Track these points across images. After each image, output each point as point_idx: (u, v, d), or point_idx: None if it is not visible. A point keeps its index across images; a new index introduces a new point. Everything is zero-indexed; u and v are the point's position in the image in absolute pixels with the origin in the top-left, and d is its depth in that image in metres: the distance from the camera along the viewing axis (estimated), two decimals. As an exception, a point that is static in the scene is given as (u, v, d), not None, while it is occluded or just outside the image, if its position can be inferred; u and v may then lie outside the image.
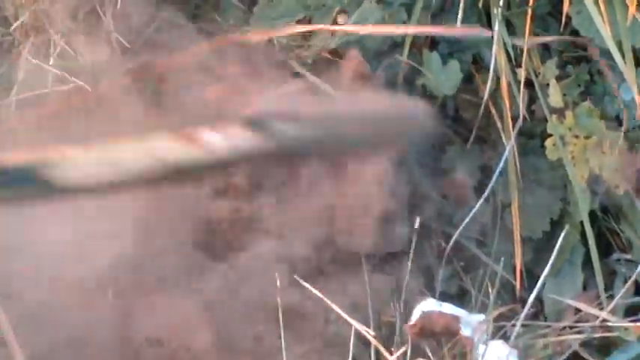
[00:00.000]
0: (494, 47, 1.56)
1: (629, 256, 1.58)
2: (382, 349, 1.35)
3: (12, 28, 1.64)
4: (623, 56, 1.48)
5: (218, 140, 1.17)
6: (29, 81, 1.60)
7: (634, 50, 1.50)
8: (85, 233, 1.48)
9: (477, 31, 1.61)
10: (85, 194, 1.20)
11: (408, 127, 1.35)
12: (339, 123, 1.25)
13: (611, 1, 1.51)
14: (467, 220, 1.55)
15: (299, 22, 1.65)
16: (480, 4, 1.59)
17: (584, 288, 1.57)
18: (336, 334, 1.47)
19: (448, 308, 1.45)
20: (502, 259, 1.51)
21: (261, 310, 1.51)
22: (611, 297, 1.51)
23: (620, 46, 1.49)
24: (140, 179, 1.18)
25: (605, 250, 1.59)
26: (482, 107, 1.59)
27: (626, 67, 1.49)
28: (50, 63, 1.58)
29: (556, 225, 1.57)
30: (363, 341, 1.39)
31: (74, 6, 1.62)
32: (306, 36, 1.69)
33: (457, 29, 1.62)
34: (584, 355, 1.47)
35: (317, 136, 1.21)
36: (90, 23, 1.64)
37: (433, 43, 1.65)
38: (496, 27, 1.55)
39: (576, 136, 1.54)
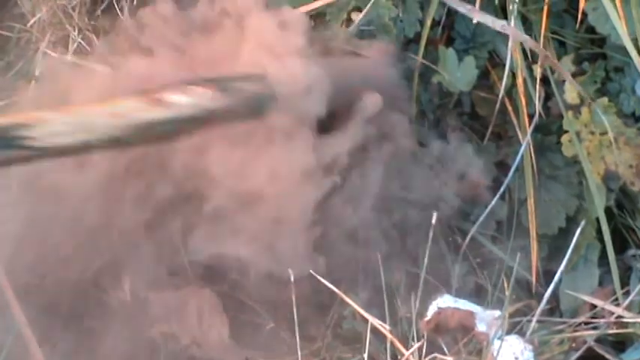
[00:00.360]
0: (510, 43, 1.57)
1: None
2: (398, 344, 1.34)
3: (29, 24, 1.67)
4: (639, 53, 1.52)
5: (183, 100, 1.29)
6: (47, 76, 1.61)
7: None
8: None
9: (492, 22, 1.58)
10: (60, 155, 1.32)
11: (372, 82, 1.51)
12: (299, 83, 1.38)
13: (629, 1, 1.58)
14: (483, 216, 1.57)
15: (312, 16, 1.62)
16: (497, 1, 1.61)
17: (600, 284, 1.58)
18: (350, 330, 1.49)
19: (463, 304, 1.44)
20: (518, 255, 1.45)
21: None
22: (627, 293, 1.51)
23: (636, 43, 1.51)
24: (111, 139, 1.29)
25: (621, 247, 1.60)
26: (498, 104, 1.61)
27: None
28: (68, 58, 1.63)
29: (572, 221, 1.58)
30: (378, 336, 1.38)
31: (92, 2, 1.67)
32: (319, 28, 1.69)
33: (477, 12, 1.56)
34: (600, 350, 1.46)
35: (275, 95, 1.35)
36: (107, 19, 1.67)
37: (449, 39, 1.67)
38: (512, 23, 1.56)
39: (592, 133, 1.55)
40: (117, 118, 1.28)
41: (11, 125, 1.23)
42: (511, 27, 1.59)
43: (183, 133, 1.41)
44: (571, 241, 1.43)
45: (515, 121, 1.61)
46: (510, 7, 1.59)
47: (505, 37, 1.61)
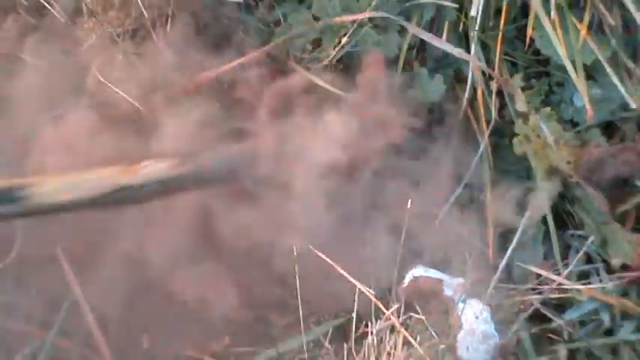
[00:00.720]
0: (472, 64, 1.64)
1: (580, 232, 1.63)
2: (380, 305, 1.41)
3: (82, 47, 1.68)
4: (576, 71, 1.57)
5: (149, 169, 1.39)
6: (97, 93, 1.65)
7: (584, 66, 1.60)
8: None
9: (457, 51, 1.64)
10: (54, 212, 1.41)
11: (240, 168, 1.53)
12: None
13: (566, 27, 1.60)
14: (449, 202, 1.62)
15: (312, 41, 1.71)
16: (460, 29, 1.67)
17: (545, 258, 1.60)
18: (338, 294, 1.51)
19: (434, 273, 1.52)
20: (478, 233, 1.60)
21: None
22: (566, 265, 1.57)
23: (573, 63, 1.58)
24: (95, 201, 1.39)
25: (561, 228, 1.63)
26: (462, 112, 1.67)
27: (578, 80, 1.58)
28: (113, 78, 1.63)
29: (521, 207, 1.61)
30: (366, 299, 1.43)
31: (134, 29, 1.69)
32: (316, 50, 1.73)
33: (444, 43, 1.64)
34: (544, 311, 1.54)
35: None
36: (144, 44, 1.70)
37: (423, 60, 1.72)
38: (473, 47, 1.64)
39: (538, 136, 1.59)
40: (100, 181, 1.37)
41: (12, 185, 1.36)
42: (472, 54, 1.66)
43: (150, 197, 1.49)
44: (521, 220, 1.58)
45: (475, 127, 1.66)
46: (471, 34, 1.65)
47: (468, 59, 1.68)
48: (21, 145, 1.66)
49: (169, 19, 1.70)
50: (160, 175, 1.40)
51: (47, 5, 1.71)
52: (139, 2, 1.67)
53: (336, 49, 1.69)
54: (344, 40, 1.69)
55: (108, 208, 1.47)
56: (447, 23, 1.67)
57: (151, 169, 1.38)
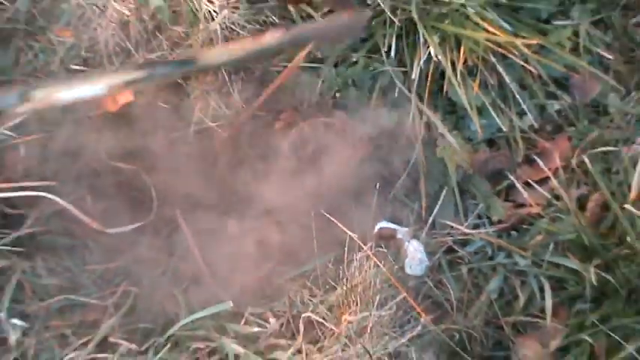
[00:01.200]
0: (412, 104, 1.81)
1: (475, 201, 1.83)
2: (361, 244, 1.60)
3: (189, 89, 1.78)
4: (472, 109, 1.79)
5: (268, 38, 1.52)
6: (201, 118, 1.78)
7: (476, 107, 1.80)
8: None
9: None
10: (215, 69, 1.62)
11: (349, 30, 1.72)
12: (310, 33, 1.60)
13: (466, 84, 1.79)
14: (399, 182, 1.82)
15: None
16: (405, 84, 1.81)
17: (455, 216, 1.81)
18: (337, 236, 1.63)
19: (392, 225, 1.78)
20: (416, 202, 1.81)
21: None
22: (467, 220, 1.80)
23: (470, 105, 1.79)
24: (238, 60, 1.55)
25: (464, 198, 1.82)
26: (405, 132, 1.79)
27: (473, 114, 1.79)
28: (210, 108, 1.78)
29: (441, 187, 1.82)
30: (352, 240, 1.60)
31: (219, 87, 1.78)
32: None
33: None
34: (455, 247, 1.77)
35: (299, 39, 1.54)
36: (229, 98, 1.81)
37: (385, 100, 1.86)
38: (413, 95, 1.81)
39: (450, 146, 1.80)
40: (243, 47, 1.55)
41: (187, 56, 1.55)
42: (412, 98, 1.81)
43: (272, 55, 1.68)
44: (441, 195, 1.81)
45: (417, 142, 1.79)
46: (412, 87, 1.81)
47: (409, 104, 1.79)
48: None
49: (243, 78, 1.79)
50: (276, 41, 1.55)
51: (181, 82, 1.79)
52: (223, 71, 1.78)
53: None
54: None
55: (248, 64, 1.67)
56: (397, 82, 1.81)
57: (269, 38, 1.55)
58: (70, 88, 1.29)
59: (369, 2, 1.77)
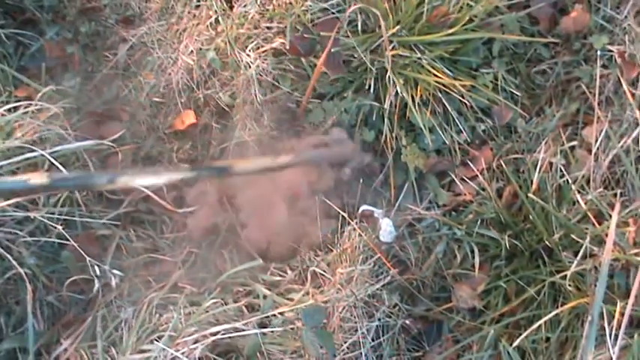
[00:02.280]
0: (385, 127, 1.74)
1: (427, 192, 1.80)
2: (349, 220, 1.64)
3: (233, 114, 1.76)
4: (425, 129, 1.72)
5: (281, 159, 1.46)
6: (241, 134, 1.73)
7: (428, 128, 1.73)
8: None
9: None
10: (241, 174, 1.51)
11: (346, 157, 1.65)
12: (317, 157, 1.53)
13: (422, 113, 1.74)
14: (378, 181, 1.80)
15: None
16: (380, 112, 1.74)
17: (414, 201, 1.79)
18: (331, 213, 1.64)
19: (370, 207, 1.75)
20: (387, 192, 1.81)
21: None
22: (421, 204, 1.78)
23: (424, 126, 1.73)
24: (258, 170, 1.49)
25: (420, 189, 1.80)
26: (382, 145, 1.77)
27: (426, 132, 1.74)
28: (247, 129, 1.73)
29: (404, 182, 1.80)
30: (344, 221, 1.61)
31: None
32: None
33: None
34: (413, 223, 1.72)
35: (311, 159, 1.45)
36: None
37: (365, 124, 1.79)
38: (386, 120, 1.76)
39: (414, 153, 1.77)
40: (263, 162, 1.50)
41: (227, 164, 1.49)
42: (385, 123, 1.73)
43: (281, 169, 1.55)
44: (404, 187, 1.80)
45: (386, 149, 1.77)
46: (385, 115, 1.75)
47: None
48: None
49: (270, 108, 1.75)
50: (287, 161, 1.50)
51: (227, 109, 1.77)
52: (256, 102, 1.72)
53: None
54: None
55: (265, 173, 1.56)
56: (374, 110, 1.75)
57: (283, 159, 1.50)
58: (144, 178, 1.30)
59: (354, 57, 1.73)
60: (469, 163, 1.77)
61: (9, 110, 1.51)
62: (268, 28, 1.72)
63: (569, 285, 1.42)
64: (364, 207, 1.74)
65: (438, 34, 1.65)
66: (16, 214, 1.40)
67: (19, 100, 1.55)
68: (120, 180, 1.25)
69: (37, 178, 1.13)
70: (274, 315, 1.46)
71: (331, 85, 1.75)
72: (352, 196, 1.71)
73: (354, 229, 1.60)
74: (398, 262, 1.67)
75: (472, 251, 1.63)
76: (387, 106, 1.71)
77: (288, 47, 1.69)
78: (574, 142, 1.66)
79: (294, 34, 1.69)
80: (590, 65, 1.74)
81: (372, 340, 1.51)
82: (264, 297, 1.51)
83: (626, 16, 1.71)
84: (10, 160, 1.41)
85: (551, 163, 1.63)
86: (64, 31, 1.87)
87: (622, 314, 1.22)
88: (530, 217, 1.57)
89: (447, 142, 1.77)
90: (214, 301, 1.46)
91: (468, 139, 1.80)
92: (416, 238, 1.71)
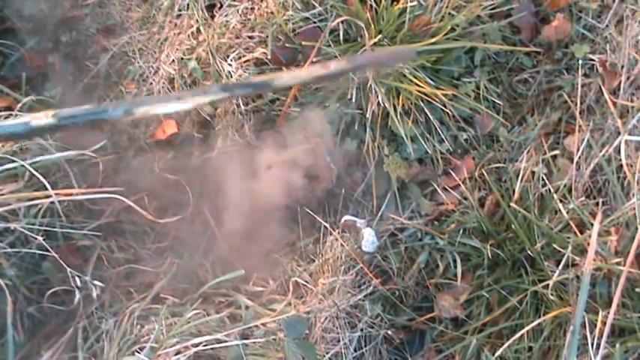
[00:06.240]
0: (367, 136, 1.73)
1: (410, 201, 1.76)
2: (332, 230, 1.64)
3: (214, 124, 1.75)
4: (407, 138, 1.70)
5: (333, 66, 1.17)
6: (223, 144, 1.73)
7: (410, 137, 1.72)
8: None
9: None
10: (286, 89, 1.51)
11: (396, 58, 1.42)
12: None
13: (403, 122, 1.72)
14: (360, 190, 1.80)
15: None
16: (362, 122, 1.73)
17: (396, 210, 1.78)
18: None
19: (353, 217, 1.75)
20: (370, 202, 1.80)
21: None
22: (404, 213, 1.77)
23: (406, 136, 1.70)
24: (307, 81, 1.38)
25: (402, 200, 1.77)
26: (364, 154, 1.77)
27: (408, 142, 1.73)
28: (229, 138, 1.73)
29: (387, 191, 1.79)
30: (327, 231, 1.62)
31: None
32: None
33: None
34: (396, 232, 1.72)
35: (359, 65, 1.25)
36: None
37: (349, 133, 1.78)
38: (368, 129, 1.74)
39: (395, 164, 1.76)
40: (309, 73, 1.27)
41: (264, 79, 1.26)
42: (367, 132, 1.72)
43: (333, 78, 1.44)
44: (387, 197, 1.78)
45: (368, 159, 1.76)
46: (367, 124, 1.73)
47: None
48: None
49: (251, 117, 1.75)
50: (339, 68, 1.25)
51: (209, 119, 1.77)
52: (238, 113, 1.74)
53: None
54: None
55: (311, 84, 1.53)
56: (357, 120, 1.74)
57: (335, 65, 1.25)
58: (166, 105, 1.13)
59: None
60: (451, 172, 1.75)
61: (-12, 120, 1.52)
62: (250, 37, 1.72)
63: (552, 294, 1.42)
64: (346, 217, 1.74)
65: (420, 44, 1.64)
66: (-4, 225, 1.36)
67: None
68: (138, 110, 1.11)
69: (42, 119, 0.99)
70: (256, 326, 1.46)
71: (313, 94, 1.74)
72: (334, 206, 1.73)
73: (337, 239, 1.61)
74: (380, 272, 1.66)
75: (454, 261, 1.63)
76: (369, 115, 1.70)
77: (269, 57, 1.69)
78: (556, 151, 1.66)
79: (276, 43, 1.69)
80: (572, 74, 1.74)
81: (355, 351, 1.51)
82: (247, 308, 1.51)
83: (607, 25, 1.72)
84: (-11, 171, 1.35)
85: (533, 172, 1.62)
86: (45, 40, 1.88)
87: (604, 323, 1.22)
88: (513, 226, 1.57)
89: (429, 152, 1.76)
90: (196, 311, 1.45)
91: (450, 149, 1.78)
92: (398, 248, 1.70)
